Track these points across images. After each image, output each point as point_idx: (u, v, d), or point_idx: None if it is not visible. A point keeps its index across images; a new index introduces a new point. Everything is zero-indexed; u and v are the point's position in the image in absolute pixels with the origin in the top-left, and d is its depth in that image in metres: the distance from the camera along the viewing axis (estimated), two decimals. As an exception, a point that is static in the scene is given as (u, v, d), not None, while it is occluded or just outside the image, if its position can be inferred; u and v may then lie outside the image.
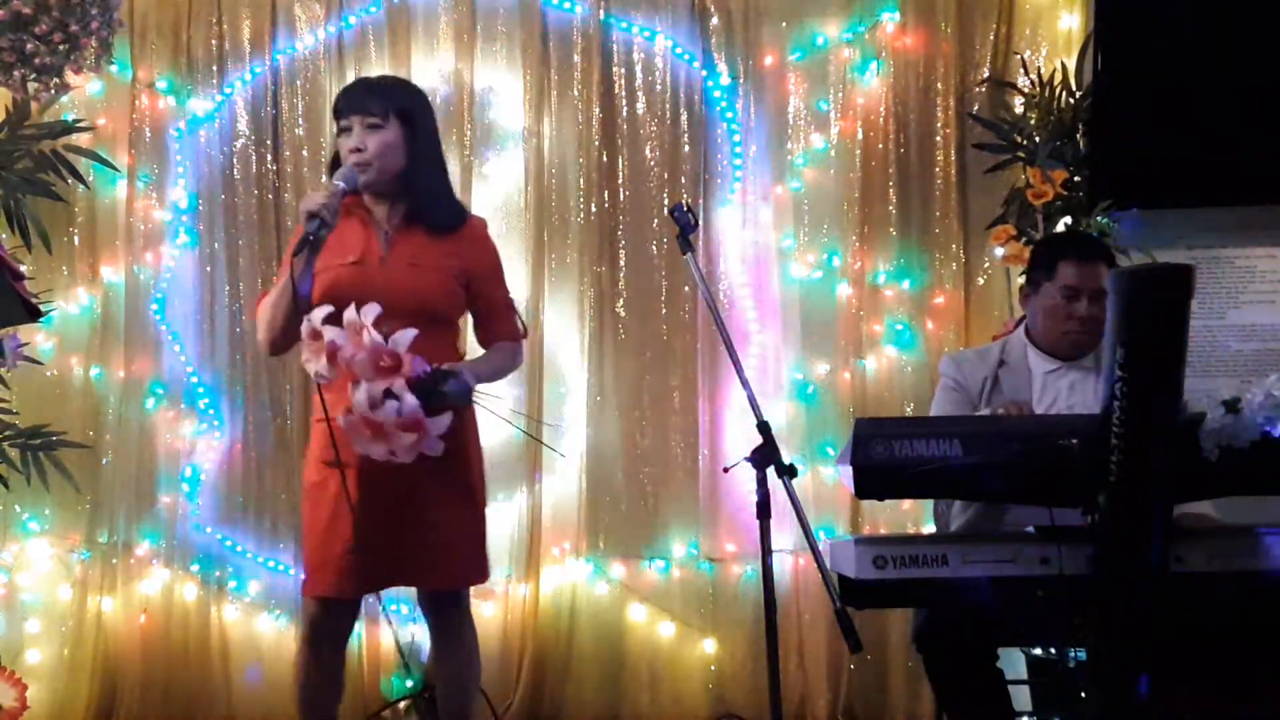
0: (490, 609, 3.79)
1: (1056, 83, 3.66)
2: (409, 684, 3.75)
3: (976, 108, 3.85)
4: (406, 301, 2.53)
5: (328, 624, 2.63)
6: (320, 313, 2.35)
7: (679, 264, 3.80)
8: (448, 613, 2.69)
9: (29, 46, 3.43)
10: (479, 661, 2.78)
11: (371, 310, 2.31)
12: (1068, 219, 3.56)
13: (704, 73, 3.90)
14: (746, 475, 2.32)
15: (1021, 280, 3.59)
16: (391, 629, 3.75)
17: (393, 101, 2.59)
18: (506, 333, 2.76)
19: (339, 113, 2.62)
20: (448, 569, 2.61)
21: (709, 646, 3.83)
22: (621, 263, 3.90)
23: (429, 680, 3.73)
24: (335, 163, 2.64)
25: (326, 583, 2.57)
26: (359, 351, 2.30)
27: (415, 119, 2.62)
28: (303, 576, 2.64)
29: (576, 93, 3.90)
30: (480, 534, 2.69)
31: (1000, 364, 2.90)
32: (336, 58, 3.89)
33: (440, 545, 2.56)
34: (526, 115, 3.90)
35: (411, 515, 2.52)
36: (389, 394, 2.29)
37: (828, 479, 3.82)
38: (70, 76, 3.60)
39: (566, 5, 3.88)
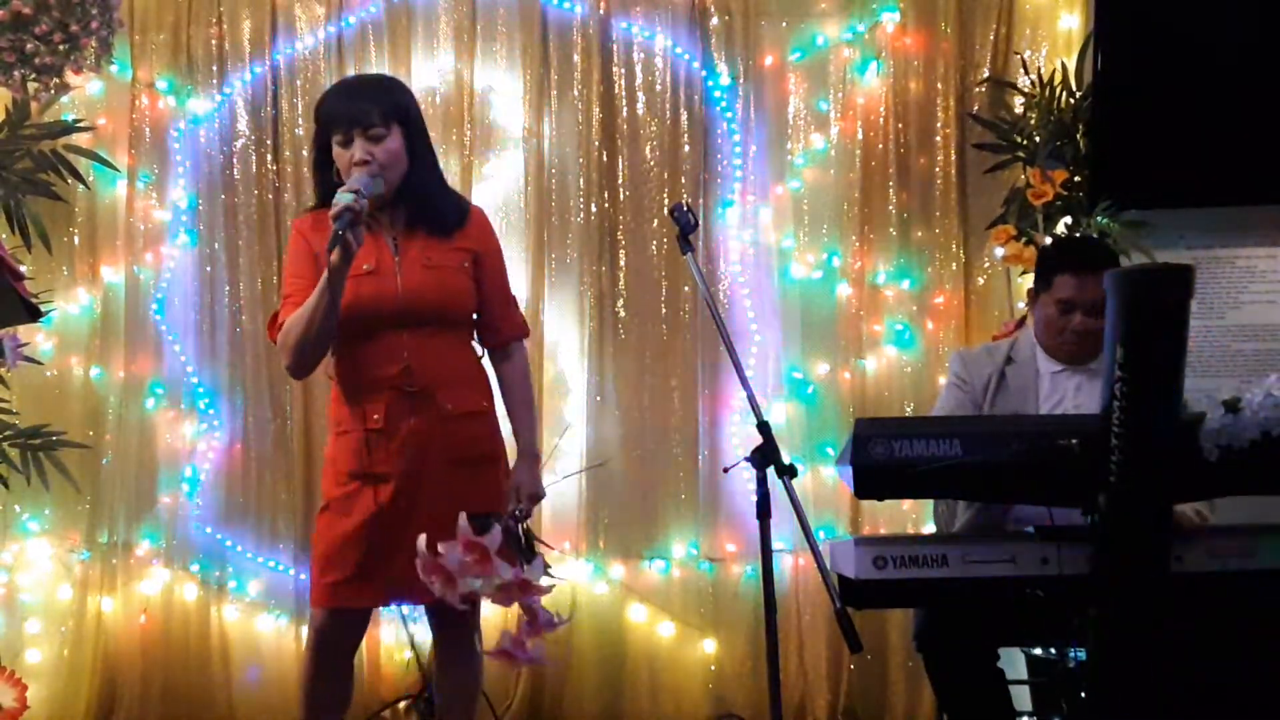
0: (490, 608, 3.78)
1: (1056, 83, 3.65)
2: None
3: (976, 108, 3.85)
4: (426, 306, 2.51)
5: (337, 634, 2.59)
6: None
7: (679, 264, 3.80)
8: (460, 626, 2.64)
9: (29, 46, 3.43)
10: (483, 673, 2.75)
11: (496, 538, 2.30)
12: (1068, 219, 3.56)
13: (704, 73, 3.90)
14: (746, 475, 2.32)
15: (1020, 280, 3.62)
16: (396, 628, 3.76)
17: (390, 105, 2.51)
18: (513, 329, 2.70)
19: (333, 122, 2.51)
20: None
21: (709, 646, 3.83)
22: (621, 263, 3.90)
23: (429, 680, 3.73)
24: (319, 166, 2.56)
25: (342, 594, 2.52)
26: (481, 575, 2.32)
27: (411, 119, 2.55)
28: (315, 585, 2.57)
29: (576, 93, 3.90)
30: None
31: (1008, 361, 2.90)
32: (336, 58, 3.89)
33: None
34: (526, 115, 3.90)
35: (437, 529, 2.43)
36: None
37: (828, 479, 3.82)
38: (70, 76, 3.60)
39: (566, 5, 3.88)
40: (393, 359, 2.49)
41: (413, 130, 2.55)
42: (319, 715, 2.64)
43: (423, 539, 2.29)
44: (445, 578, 2.33)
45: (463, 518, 2.29)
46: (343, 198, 2.34)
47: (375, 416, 2.49)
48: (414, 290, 2.51)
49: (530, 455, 2.67)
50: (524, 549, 2.52)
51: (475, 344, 2.68)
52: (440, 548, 2.33)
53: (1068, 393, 2.84)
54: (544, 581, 2.42)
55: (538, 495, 2.64)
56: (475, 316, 2.67)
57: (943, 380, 3.37)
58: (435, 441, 2.50)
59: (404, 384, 2.49)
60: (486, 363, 2.71)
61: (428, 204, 2.57)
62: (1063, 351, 2.84)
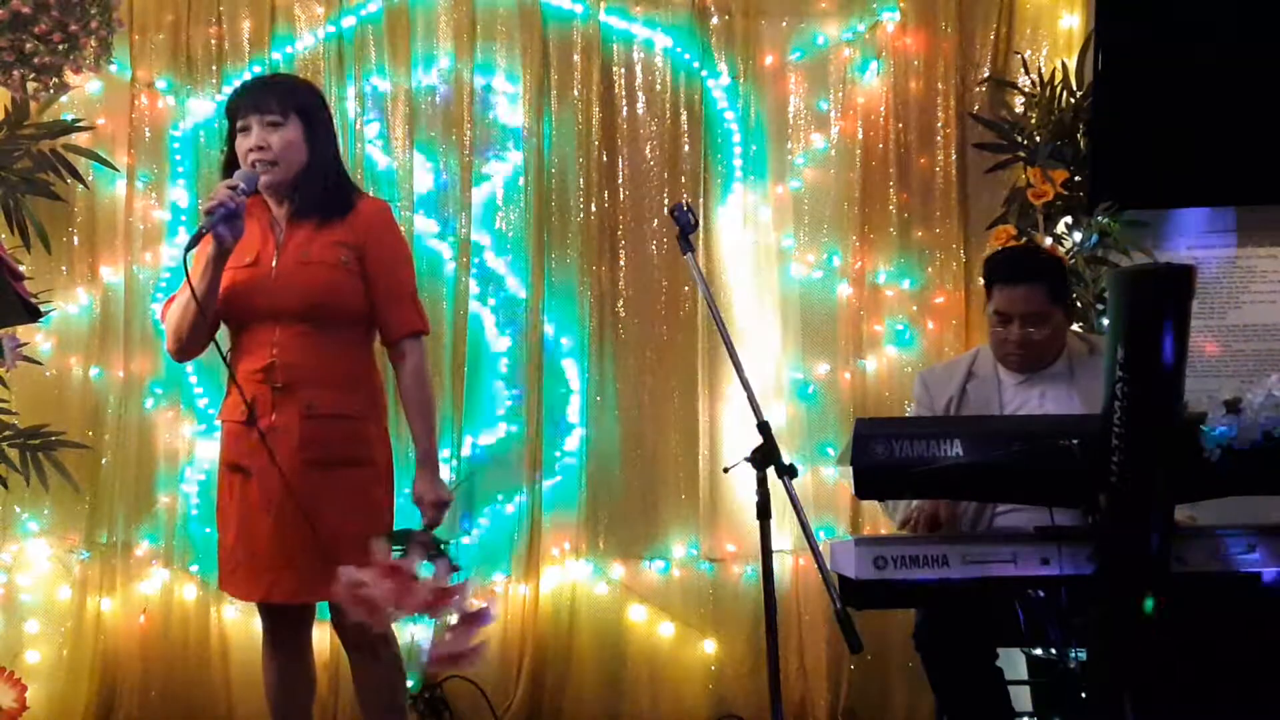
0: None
1: (1057, 82, 3.66)
2: (409, 684, 3.74)
3: (977, 107, 3.85)
4: (295, 301, 2.50)
5: (274, 628, 2.65)
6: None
7: (679, 264, 3.79)
8: (359, 631, 2.55)
9: (28, 46, 3.43)
10: (402, 678, 2.75)
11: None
12: (1068, 219, 3.56)
13: (704, 73, 3.90)
14: (746, 475, 2.31)
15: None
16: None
17: (292, 99, 2.55)
18: (405, 322, 2.61)
19: (235, 112, 2.57)
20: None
21: (709, 647, 3.83)
22: (621, 263, 3.90)
23: (429, 680, 3.73)
24: (230, 165, 2.58)
25: (230, 583, 2.59)
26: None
27: (314, 116, 2.58)
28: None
29: (576, 93, 3.90)
30: None
31: (970, 377, 2.91)
32: (336, 58, 3.89)
33: (339, 561, 2.42)
34: (526, 115, 3.89)
35: (296, 529, 2.45)
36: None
37: (828, 479, 3.82)
38: (69, 76, 3.60)
39: (566, 5, 3.88)
40: (261, 353, 2.50)
41: (315, 126, 2.57)
42: (276, 708, 2.69)
43: (350, 571, 2.31)
44: (370, 608, 2.34)
45: (379, 542, 2.32)
46: (220, 192, 2.38)
47: (241, 409, 2.50)
48: (283, 285, 2.51)
49: (427, 464, 2.61)
50: (440, 556, 2.49)
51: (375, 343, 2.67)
52: (362, 575, 2.33)
53: (1032, 402, 2.84)
54: (456, 582, 2.44)
55: (441, 502, 2.58)
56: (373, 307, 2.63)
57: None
58: (295, 440, 2.48)
59: (268, 379, 2.49)
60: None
61: (316, 196, 2.57)
62: (1009, 363, 2.85)
